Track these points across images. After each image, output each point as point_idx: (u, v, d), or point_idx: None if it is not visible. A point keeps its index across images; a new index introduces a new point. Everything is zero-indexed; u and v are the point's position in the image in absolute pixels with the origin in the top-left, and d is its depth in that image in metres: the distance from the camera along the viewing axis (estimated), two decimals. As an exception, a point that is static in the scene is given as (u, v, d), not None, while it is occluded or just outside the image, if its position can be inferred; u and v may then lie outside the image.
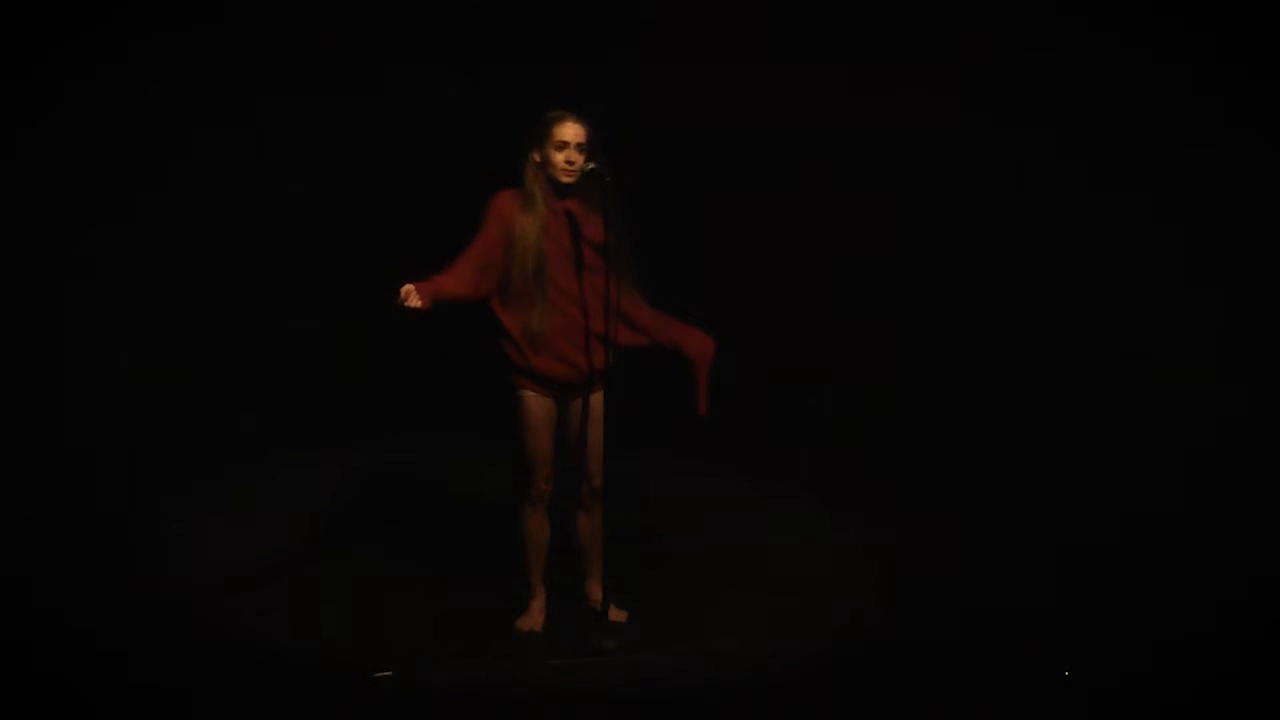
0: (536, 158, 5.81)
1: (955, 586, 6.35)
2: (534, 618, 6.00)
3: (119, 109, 7.91)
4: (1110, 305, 7.70)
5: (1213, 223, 7.41)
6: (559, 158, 5.77)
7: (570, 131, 5.78)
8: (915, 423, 7.89)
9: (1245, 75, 7.24)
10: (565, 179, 5.79)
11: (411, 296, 5.56)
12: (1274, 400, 7.26)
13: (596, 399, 5.88)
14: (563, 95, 6.02)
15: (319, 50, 8.14)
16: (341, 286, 8.42)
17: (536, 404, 5.84)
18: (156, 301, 8.15)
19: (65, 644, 5.69)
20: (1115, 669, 5.62)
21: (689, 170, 8.16)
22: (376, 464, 7.78)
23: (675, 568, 6.63)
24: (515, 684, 5.59)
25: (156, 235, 8.13)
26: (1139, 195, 7.54)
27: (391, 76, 8.22)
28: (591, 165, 5.75)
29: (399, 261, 8.17)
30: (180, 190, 8.15)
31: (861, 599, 6.31)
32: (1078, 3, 7.54)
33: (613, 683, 5.62)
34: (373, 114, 8.29)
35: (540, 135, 5.80)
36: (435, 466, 7.78)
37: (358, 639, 5.84)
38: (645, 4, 8.14)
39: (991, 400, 7.81)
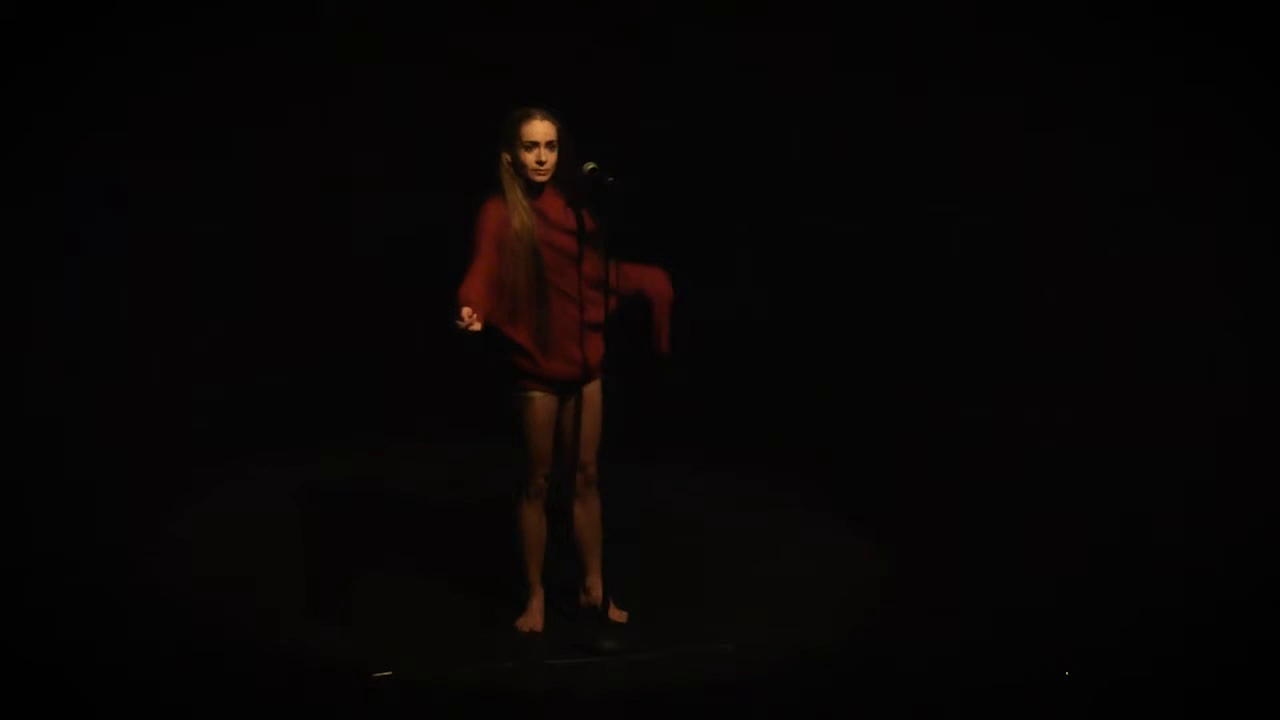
0: (507, 159, 5.67)
1: (955, 586, 6.34)
2: (533, 618, 5.99)
3: (119, 108, 7.93)
4: (1110, 305, 7.70)
5: (1217, 225, 7.43)
6: (529, 158, 5.63)
7: (539, 130, 5.64)
8: (916, 422, 7.88)
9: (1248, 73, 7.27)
10: (538, 179, 5.66)
11: (475, 320, 5.38)
12: (1273, 401, 7.27)
13: (593, 388, 5.86)
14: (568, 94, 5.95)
15: (316, 50, 8.16)
16: (341, 286, 8.44)
17: (541, 403, 5.81)
18: (156, 300, 8.16)
19: (65, 644, 5.68)
20: (1115, 669, 5.62)
21: (686, 168, 8.17)
22: (375, 464, 7.77)
23: (675, 567, 6.62)
24: (515, 684, 5.59)
25: (155, 235, 8.15)
26: (1144, 197, 7.57)
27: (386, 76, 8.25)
28: (591, 165, 5.66)
29: (399, 260, 8.25)
30: (179, 190, 8.16)
31: (861, 599, 6.30)
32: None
33: (613, 683, 5.62)
34: (368, 114, 8.30)
35: (509, 136, 5.66)
36: (435, 467, 7.78)
37: (358, 639, 5.84)
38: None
39: (992, 400, 7.81)
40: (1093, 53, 7.60)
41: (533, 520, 5.95)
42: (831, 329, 8.24)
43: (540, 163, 5.64)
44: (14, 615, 5.89)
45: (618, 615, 5.99)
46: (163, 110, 8.02)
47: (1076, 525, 6.84)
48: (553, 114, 5.69)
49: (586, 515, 5.98)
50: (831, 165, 8.19)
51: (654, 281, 5.89)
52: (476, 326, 5.39)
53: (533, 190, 5.70)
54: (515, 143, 5.66)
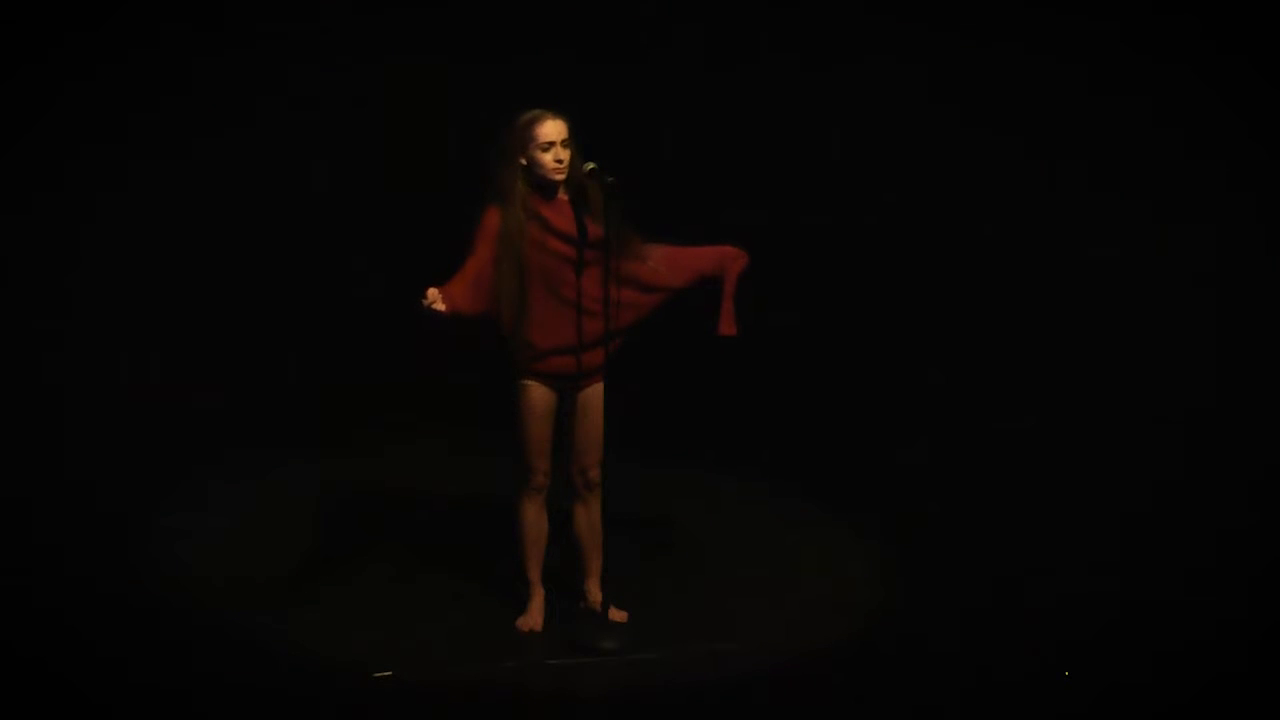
0: (523, 162, 5.65)
1: (955, 586, 6.35)
2: (533, 617, 5.99)
3: (118, 111, 7.93)
4: (1110, 305, 7.71)
5: (1217, 226, 7.45)
6: (547, 158, 5.63)
7: (553, 129, 5.63)
8: (916, 422, 7.89)
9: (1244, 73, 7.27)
10: (557, 177, 5.66)
11: (438, 300, 5.43)
12: (1271, 400, 7.27)
13: (595, 391, 5.86)
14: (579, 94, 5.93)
15: (314, 49, 8.17)
16: (340, 285, 8.44)
17: (538, 394, 5.80)
18: (156, 301, 8.16)
19: (65, 644, 5.69)
20: (1115, 669, 5.62)
21: (690, 169, 8.17)
22: (375, 464, 7.78)
23: (676, 567, 6.62)
24: (515, 684, 5.59)
25: (156, 236, 8.15)
26: (1139, 199, 7.58)
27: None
28: (591, 165, 5.65)
29: (397, 260, 8.24)
30: (178, 191, 8.16)
31: (862, 599, 6.31)
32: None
33: (613, 683, 5.62)
34: (365, 112, 8.31)
35: (522, 139, 5.65)
36: (435, 466, 7.78)
37: (358, 639, 5.84)
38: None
39: (992, 400, 7.81)
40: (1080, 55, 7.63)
41: (532, 516, 5.94)
42: (831, 328, 8.23)
43: (559, 161, 5.64)
44: (14, 615, 5.89)
45: (618, 615, 5.99)
46: (162, 109, 8.02)
47: (1075, 525, 6.84)
48: (560, 113, 5.67)
49: (587, 516, 5.98)
50: (828, 165, 8.19)
51: (722, 258, 5.87)
52: (440, 306, 5.42)
53: (546, 193, 5.69)
54: (530, 145, 5.64)
